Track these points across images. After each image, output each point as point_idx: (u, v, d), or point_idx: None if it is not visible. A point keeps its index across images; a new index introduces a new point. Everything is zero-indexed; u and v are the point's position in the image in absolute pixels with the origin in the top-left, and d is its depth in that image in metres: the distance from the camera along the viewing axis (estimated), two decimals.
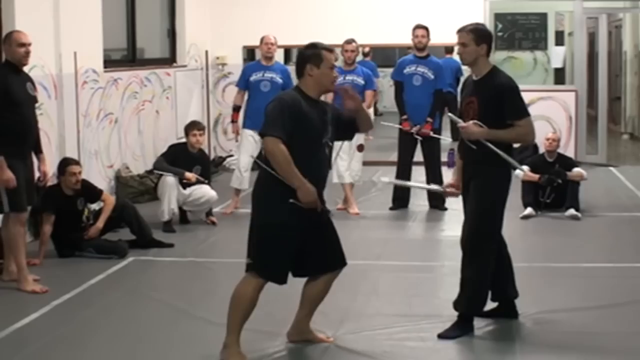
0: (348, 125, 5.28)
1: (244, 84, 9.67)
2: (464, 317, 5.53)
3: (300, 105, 4.98)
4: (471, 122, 5.43)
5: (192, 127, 9.03)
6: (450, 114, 5.57)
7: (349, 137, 5.62)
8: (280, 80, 9.50)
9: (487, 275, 5.51)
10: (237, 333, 5.02)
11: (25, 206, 6.71)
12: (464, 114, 5.56)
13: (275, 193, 4.93)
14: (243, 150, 9.57)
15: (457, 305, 5.57)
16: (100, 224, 7.78)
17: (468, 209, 5.57)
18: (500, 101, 5.41)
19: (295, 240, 4.99)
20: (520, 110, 5.47)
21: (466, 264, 5.52)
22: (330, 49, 5.13)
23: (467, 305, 5.53)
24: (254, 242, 5.02)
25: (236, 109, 9.75)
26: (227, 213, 9.49)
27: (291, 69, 11.46)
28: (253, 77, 9.58)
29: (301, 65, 5.10)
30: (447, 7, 12.82)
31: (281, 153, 4.86)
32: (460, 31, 5.55)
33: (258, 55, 16.52)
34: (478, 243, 5.46)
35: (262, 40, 9.73)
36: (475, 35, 5.48)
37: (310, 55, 5.08)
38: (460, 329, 5.49)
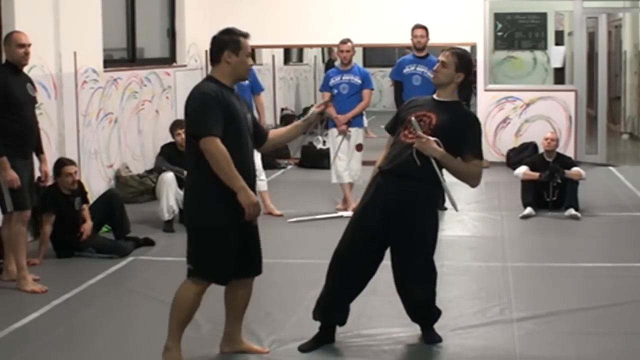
0: (257, 133, 5.04)
1: None
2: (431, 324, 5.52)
3: (223, 95, 4.75)
4: (432, 137, 5.08)
5: (176, 126, 8.99)
6: (413, 119, 5.16)
7: (255, 146, 5.08)
8: (246, 82, 9.45)
9: (435, 290, 5.42)
10: (179, 336, 4.90)
11: (28, 205, 6.73)
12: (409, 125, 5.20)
13: (210, 195, 4.73)
14: None
15: (424, 322, 5.49)
16: (88, 219, 7.74)
17: (412, 234, 5.19)
18: (462, 131, 5.14)
19: (235, 240, 4.81)
20: (479, 150, 5.21)
21: (416, 287, 5.31)
22: (247, 35, 4.89)
23: (436, 319, 5.48)
24: (194, 247, 4.84)
25: None
26: None
27: (257, 68, 11.51)
28: None
29: (218, 52, 4.87)
30: (447, 7, 12.83)
31: (222, 154, 4.64)
32: (445, 50, 5.31)
33: (262, 58, 16.47)
34: (429, 264, 5.31)
35: None
36: (459, 60, 5.24)
37: (228, 41, 4.84)
38: (436, 334, 5.46)
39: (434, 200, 5.33)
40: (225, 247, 4.80)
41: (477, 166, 5.21)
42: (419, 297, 5.35)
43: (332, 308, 5.36)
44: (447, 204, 9.61)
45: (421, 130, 5.13)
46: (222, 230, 4.77)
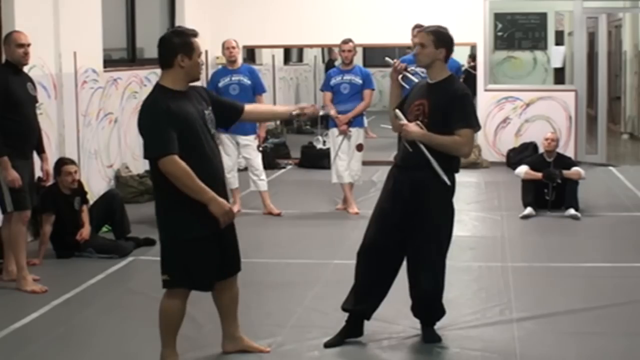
0: (230, 111, 5.02)
1: (214, 91, 9.64)
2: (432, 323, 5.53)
3: (170, 106, 4.56)
4: (413, 123, 5.18)
5: None
6: (397, 110, 5.28)
7: (230, 124, 5.26)
8: (248, 82, 9.49)
9: (443, 284, 5.42)
10: (173, 344, 4.88)
11: (28, 205, 6.73)
12: (409, 117, 5.28)
13: (183, 209, 4.61)
14: (223, 153, 9.63)
15: (427, 317, 5.49)
16: (87, 224, 7.73)
17: (424, 222, 5.25)
18: (449, 107, 5.15)
19: (214, 248, 4.75)
20: (467, 119, 5.17)
21: (425, 273, 5.32)
22: (197, 34, 4.72)
23: (439, 317, 5.49)
24: (171, 259, 4.71)
25: None
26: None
27: (258, 68, 11.51)
28: (221, 83, 9.56)
29: (170, 56, 4.64)
30: (447, 7, 12.82)
31: (182, 171, 4.51)
32: (420, 31, 5.33)
33: (262, 58, 16.49)
34: (441, 252, 5.33)
35: (223, 45, 9.70)
36: (436, 37, 5.22)
37: (180, 45, 4.63)
38: (435, 334, 5.47)
39: (444, 187, 5.23)
40: (205, 257, 4.74)
41: (462, 135, 5.15)
42: (427, 285, 5.34)
43: (359, 298, 5.40)
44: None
45: (407, 119, 5.22)
46: (200, 242, 4.69)
